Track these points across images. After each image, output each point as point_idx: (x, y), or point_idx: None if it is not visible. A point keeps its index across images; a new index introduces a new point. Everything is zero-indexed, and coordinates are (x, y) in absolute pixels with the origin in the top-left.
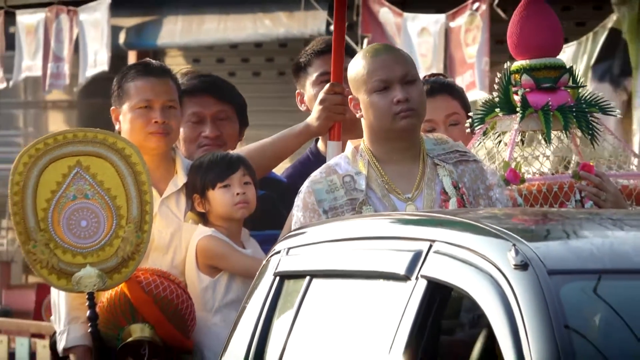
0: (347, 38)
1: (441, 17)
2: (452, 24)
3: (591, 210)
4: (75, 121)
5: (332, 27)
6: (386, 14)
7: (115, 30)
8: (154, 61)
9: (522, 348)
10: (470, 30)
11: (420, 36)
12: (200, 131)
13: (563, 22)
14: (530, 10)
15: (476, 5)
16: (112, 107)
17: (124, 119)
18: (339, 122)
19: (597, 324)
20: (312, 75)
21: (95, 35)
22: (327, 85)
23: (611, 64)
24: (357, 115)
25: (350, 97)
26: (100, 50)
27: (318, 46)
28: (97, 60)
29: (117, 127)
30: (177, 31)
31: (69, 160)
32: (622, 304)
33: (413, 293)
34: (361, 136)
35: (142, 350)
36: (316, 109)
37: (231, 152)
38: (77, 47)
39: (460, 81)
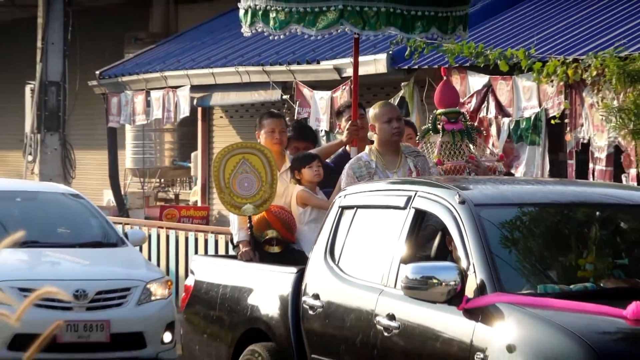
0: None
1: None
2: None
3: (487, 177)
4: (177, 136)
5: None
6: (311, 93)
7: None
8: (275, 110)
9: (464, 239)
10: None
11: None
12: (296, 146)
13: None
14: (443, 86)
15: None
16: (256, 131)
17: (262, 137)
18: (355, 139)
19: (498, 227)
20: (344, 117)
21: (184, 101)
22: (350, 122)
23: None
24: (373, 134)
25: (370, 124)
26: (186, 107)
27: (345, 105)
28: (184, 111)
29: (259, 140)
30: (218, 99)
31: (238, 156)
32: (510, 218)
33: (408, 216)
34: (364, 147)
35: (272, 242)
36: (345, 132)
37: (311, 151)
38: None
39: None
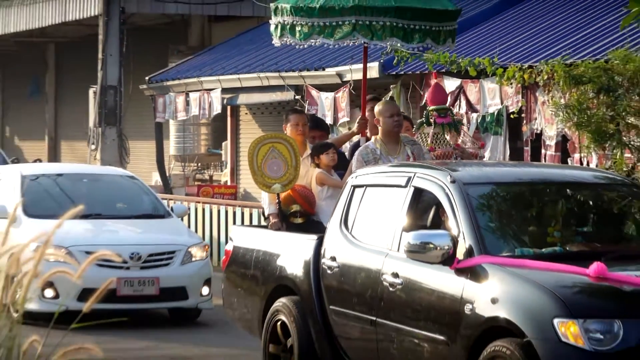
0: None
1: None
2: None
3: (473, 161)
4: (211, 129)
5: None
6: (317, 94)
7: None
8: (298, 108)
9: (455, 211)
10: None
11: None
12: (312, 135)
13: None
14: (434, 88)
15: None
16: (283, 125)
17: (287, 129)
18: (364, 130)
19: (483, 202)
20: (358, 113)
21: (216, 100)
22: (360, 117)
23: None
24: (379, 126)
25: (375, 119)
26: (218, 105)
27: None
28: (216, 109)
29: (285, 131)
30: (244, 99)
31: (268, 145)
32: (493, 194)
33: (408, 193)
34: (370, 136)
35: (297, 215)
36: (356, 125)
37: (327, 141)
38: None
39: None
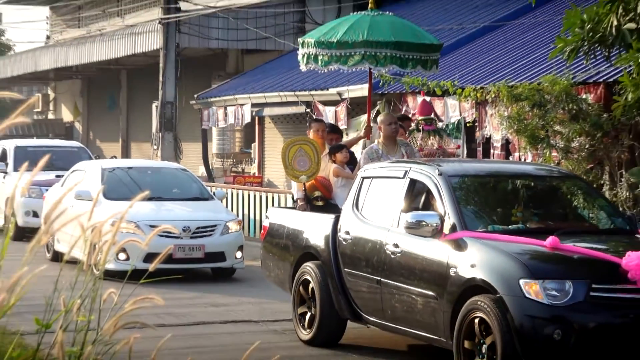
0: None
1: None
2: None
3: (453, 159)
4: (243, 134)
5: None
6: (323, 108)
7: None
8: (319, 117)
9: (441, 197)
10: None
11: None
12: (330, 138)
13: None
14: (423, 103)
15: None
16: (307, 130)
17: (311, 134)
18: (369, 134)
19: (463, 189)
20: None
21: (247, 113)
22: (366, 124)
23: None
24: (380, 132)
25: (378, 125)
26: (248, 116)
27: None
28: (247, 119)
29: (309, 135)
30: (267, 111)
31: (297, 146)
32: (470, 183)
33: (405, 183)
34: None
35: (318, 199)
36: (360, 130)
37: (340, 143)
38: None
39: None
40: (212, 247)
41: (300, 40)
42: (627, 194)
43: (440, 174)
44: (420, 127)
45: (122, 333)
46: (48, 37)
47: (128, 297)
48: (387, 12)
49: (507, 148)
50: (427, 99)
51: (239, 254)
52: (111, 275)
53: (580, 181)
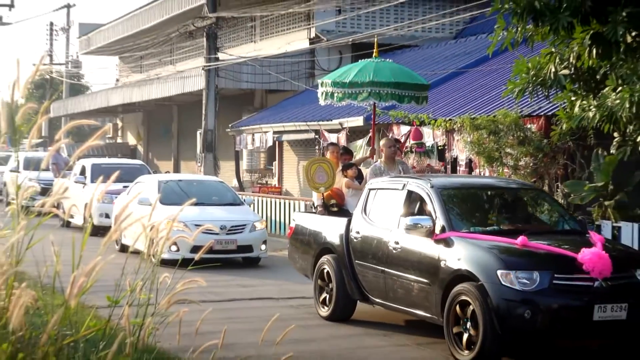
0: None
1: (335, 135)
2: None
3: (440, 174)
4: (266, 154)
5: (315, 136)
6: (328, 135)
7: (273, 137)
8: (334, 141)
9: (433, 204)
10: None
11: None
12: (343, 158)
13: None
14: (415, 130)
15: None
16: (324, 151)
17: (327, 154)
18: (373, 155)
19: (450, 198)
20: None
21: (270, 138)
22: (370, 148)
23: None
24: (383, 153)
25: (380, 148)
26: (270, 141)
27: (367, 141)
28: (269, 143)
29: (326, 156)
30: (285, 137)
31: (317, 164)
32: (456, 194)
33: (404, 193)
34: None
35: (334, 206)
36: (358, 152)
37: (350, 162)
38: (266, 140)
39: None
40: (242, 241)
41: (319, 80)
42: (563, 201)
43: (432, 186)
44: (413, 150)
45: (174, 307)
46: (117, 80)
47: (178, 280)
48: (388, 60)
49: (470, 166)
50: (421, 128)
51: (263, 247)
52: (165, 263)
53: (541, 192)
